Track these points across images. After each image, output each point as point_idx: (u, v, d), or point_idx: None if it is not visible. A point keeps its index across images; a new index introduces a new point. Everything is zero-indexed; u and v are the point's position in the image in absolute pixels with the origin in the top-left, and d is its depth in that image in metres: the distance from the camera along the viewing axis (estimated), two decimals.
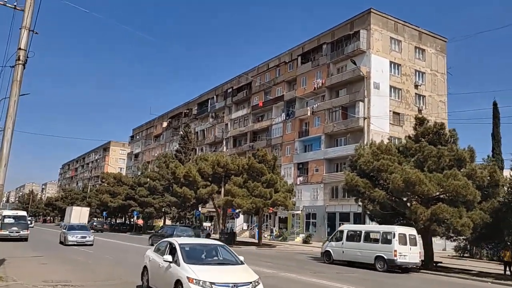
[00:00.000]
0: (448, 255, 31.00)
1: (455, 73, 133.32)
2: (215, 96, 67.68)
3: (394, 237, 18.85)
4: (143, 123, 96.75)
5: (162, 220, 58.98)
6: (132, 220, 64.02)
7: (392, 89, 43.22)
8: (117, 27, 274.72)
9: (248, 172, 34.28)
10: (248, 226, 53.46)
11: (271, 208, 36.77)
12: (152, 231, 56.93)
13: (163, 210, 54.83)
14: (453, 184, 17.76)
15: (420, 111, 43.68)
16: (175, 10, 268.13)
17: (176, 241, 9.50)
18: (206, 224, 54.54)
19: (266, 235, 45.76)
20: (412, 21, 47.74)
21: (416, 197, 19.45)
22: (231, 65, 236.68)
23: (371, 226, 23.55)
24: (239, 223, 53.05)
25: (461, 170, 19.11)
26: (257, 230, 40.69)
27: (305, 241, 41.45)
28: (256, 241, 38.19)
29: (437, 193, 18.95)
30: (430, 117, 36.35)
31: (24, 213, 32.62)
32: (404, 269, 19.59)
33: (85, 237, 25.97)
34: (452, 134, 20.57)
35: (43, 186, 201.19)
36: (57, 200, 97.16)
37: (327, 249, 22.34)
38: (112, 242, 32.59)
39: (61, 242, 26.97)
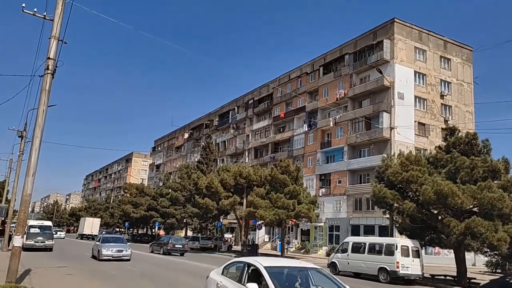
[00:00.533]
0: (480, 271, 29.75)
1: (482, 83, 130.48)
2: (236, 107, 67.84)
3: (396, 249, 19.39)
4: (164, 135, 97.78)
5: (184, 231, 58.94)
6: (153, 231, 64.20)
7: (417, 99, 42.34)
8: (135, 38, 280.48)
9: (271, 183, 33.93)
10: (269, 238, 52.84)
11: (293, 220, 36.23)
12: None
13: (184, 221, 54.78)
14: (488, 197, 16.99)
15: (446, 121, 42.66)
16: (195, 23, 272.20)
17: (260, 263, 6.80)
18: (227, 236, 54.20)
19: (287, 247, 45.05)
20: (436, 30, 46.73)
21: (448, 210, 18.67)
22: (252, 76, 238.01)
23: (374, 238, 24.44)
24: (261, 235, 52.50)
25: (496, 182, 18.29)
26: (279, 242, 40.11)
27: (329, 254, 40.51)
28: (279, 253, 37.61)
29: (471, 206, 18.15)
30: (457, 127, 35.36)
31: (49, 223, 33.01)
32: (407, 281, 19.70)
33: (121, 250, 22.92)
34: (485, 145, 19.78)
35: (67, 197, 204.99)
36: (80, 210, 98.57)
37: (333, 260, 23.18)
38: (137, 253, 32.12)
39: (93, 257, 24.25)
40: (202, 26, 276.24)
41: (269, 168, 39.47)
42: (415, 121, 41.24)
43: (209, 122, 75.89)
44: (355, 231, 41.58)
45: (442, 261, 37.24)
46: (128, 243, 26.59)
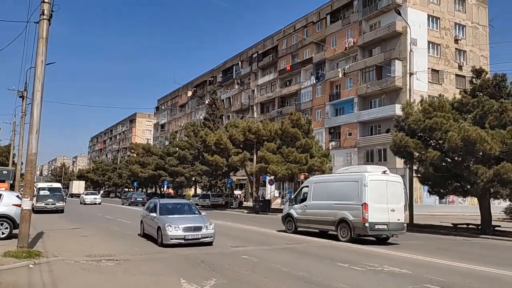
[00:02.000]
0: (498, 218, 29.24)
1: (497, 25, 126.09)
2: (240, 62, 65.87)
3: None
4: (167, 93, 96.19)
5: (193, 189, 59.00)
6: (162, 190, 64.41)
7: (431, 44, 40.49)
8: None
9: (281, 137, 33.10)
10: (279, 193, 52.68)
11: (305, 174, 35.65)
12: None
13: (193, 179, 54.63)
14: None
15: (460, 67, 41.14)
16: None
17: None
18: (237, 192, 54.12)
19: None
20: None
21: (475, 157, 17.76)
22: (255, 28, 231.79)
23: None
24: (270, 190, 52.30)
25: None
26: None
27: None
28: None
29: (499, 152, 17.16)
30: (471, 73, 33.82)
31: (58, 185, 32.72)
32: None
33: (199, 228, 12.84)
34: None
35: (74, 159, 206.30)
36: (88, 172, 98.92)
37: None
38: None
39: (145, 235, 14.84)
40: None
41: (277, 123, 38.50)
42: (428, 68, 39.59)
43: (212, 79, 74.14)
44: None
45: (456, 209, 36.95)
46: None
